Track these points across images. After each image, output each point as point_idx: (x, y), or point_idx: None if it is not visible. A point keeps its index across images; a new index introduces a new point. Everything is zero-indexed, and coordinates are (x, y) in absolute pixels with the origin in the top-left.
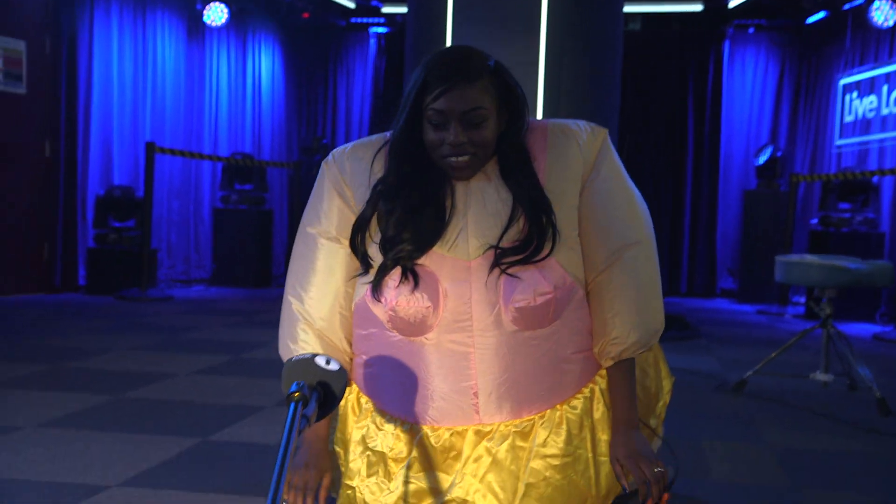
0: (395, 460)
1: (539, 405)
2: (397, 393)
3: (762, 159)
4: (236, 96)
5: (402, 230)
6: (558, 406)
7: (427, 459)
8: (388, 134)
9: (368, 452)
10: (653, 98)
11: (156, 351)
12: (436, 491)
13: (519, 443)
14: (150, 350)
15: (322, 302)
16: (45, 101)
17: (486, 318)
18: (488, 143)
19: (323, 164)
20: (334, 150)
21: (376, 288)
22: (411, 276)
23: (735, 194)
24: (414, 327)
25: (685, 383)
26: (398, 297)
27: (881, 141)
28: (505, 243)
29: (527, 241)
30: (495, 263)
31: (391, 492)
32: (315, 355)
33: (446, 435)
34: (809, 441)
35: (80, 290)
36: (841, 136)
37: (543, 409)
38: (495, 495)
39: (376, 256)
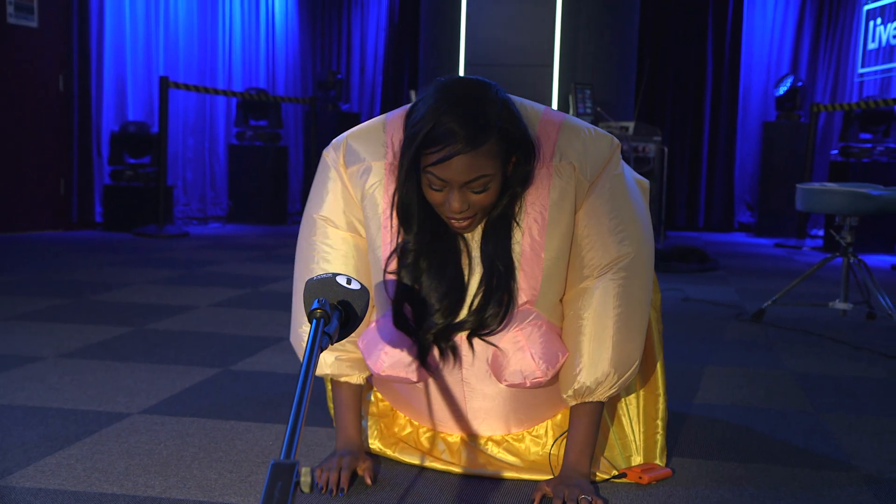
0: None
1: (532, 423)
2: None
3: (782, 90)
4: (250, 29)
5: (430, 304)
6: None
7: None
8: (387, 118)
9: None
10: (672, 26)
11: (175, 284)
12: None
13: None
14: (170, 284)
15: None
16: (57, 34)
17: (480, 380)
18: (490, 205)
19: (327, 160)
20: (333, 153)
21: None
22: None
23: (754, 126)
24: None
25: (704, 312)
26: (386, 362)
27: None
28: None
29: (478, 312)
30: (471, 334)
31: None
32: (336, 274)
33: (452, 439)
34: (829, 367)
35: (97, 226)
36: (863, 65)
37: (535, 425)
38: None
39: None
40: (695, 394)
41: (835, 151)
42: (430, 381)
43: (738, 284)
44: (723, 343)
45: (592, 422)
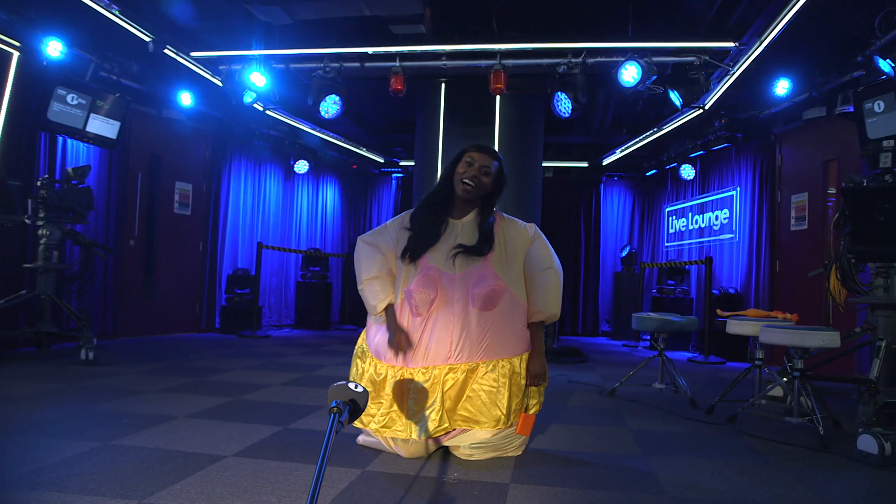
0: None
1: (485, 357)
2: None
3: (624, 253)
4: (312, 211)
5: (413, 244)
6: (498, 360)
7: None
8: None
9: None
10: (560, 218)
11: (259, 370)
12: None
13: (469, 375)
14: (256, 369)
15: (383, 268)
16: (200, 218)
17: (460, 304)
18: (485, 188)
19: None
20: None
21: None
22: (425, 274)
23: (609, 274)
24: (423, 307)
25: (580, 391)
26: (416, 288)
27: (689, 244)
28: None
29: (476, 247)
30: (458, 253)
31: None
32: (348, 382)
33: (436, 371)
34: (652, 424)
35: (216, 330)
36: (667, 242)
37: (487, 360)
38: (450, 399)
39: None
40: (564, 441)
41: (654, 291)
42: (434, 319)
43: (601, 371)
44: (589, 411)
45: (542, 329)
